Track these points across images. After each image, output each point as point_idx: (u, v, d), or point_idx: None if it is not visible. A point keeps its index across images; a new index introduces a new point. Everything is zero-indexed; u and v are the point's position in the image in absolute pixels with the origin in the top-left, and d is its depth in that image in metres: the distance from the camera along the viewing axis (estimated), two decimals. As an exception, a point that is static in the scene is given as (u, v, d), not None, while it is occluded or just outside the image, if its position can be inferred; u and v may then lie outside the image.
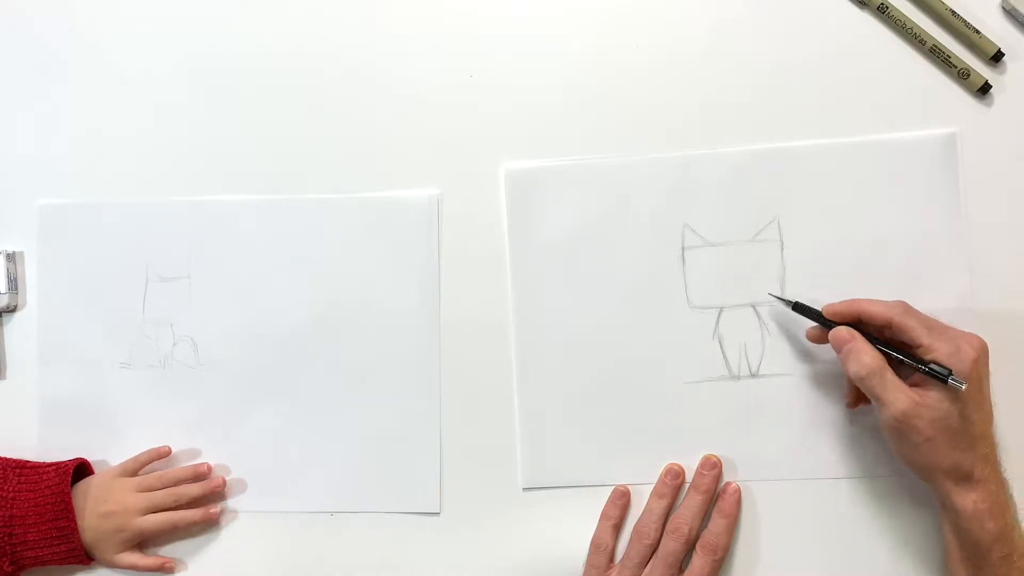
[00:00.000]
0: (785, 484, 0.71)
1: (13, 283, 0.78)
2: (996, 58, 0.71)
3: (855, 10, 0.73)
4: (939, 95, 0.72)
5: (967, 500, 0.62)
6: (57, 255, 0.78)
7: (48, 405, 0.77)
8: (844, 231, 0.71)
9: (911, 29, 0.72)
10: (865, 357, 0.63)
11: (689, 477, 0.71)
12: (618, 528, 0.71)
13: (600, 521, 0.71)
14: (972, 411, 0.61)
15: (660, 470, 0.71)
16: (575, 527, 0.72)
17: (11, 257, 0.78)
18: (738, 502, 0.70)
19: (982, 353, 0.62)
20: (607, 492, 0.72)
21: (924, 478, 0.64)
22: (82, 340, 0.77)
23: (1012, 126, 0.71)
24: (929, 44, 0.71)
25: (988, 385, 0.63)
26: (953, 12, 0.72)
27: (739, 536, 0.70)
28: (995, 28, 0.72)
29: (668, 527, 0.69)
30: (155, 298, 0.76)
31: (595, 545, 0.70)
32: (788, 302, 0.69)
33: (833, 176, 0.71)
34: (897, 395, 0.61)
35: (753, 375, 0.71)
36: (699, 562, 0.67)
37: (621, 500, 0.71)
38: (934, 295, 0.70)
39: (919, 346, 0.62)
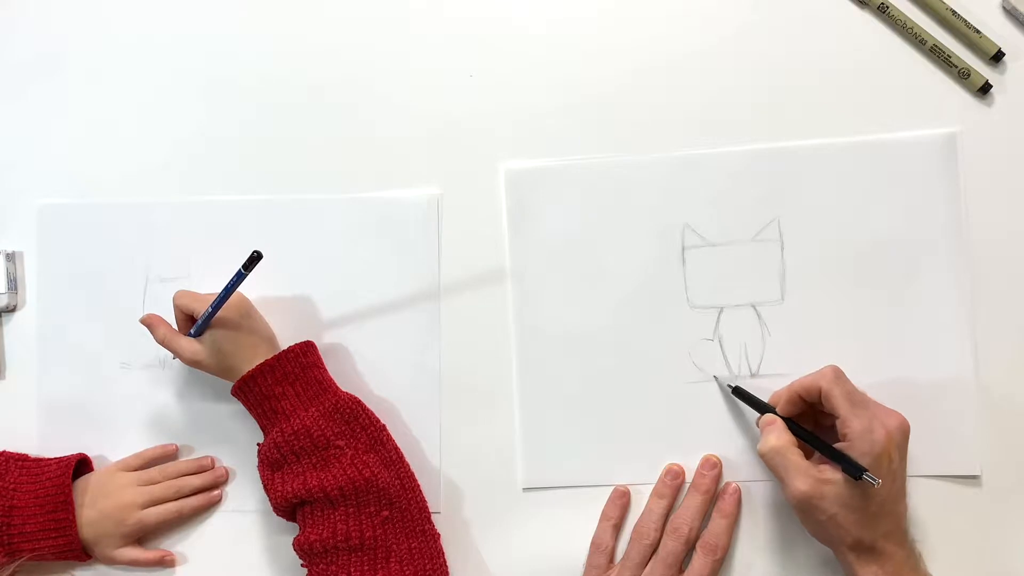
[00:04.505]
0: (785, 484, 0.71)
1: (13, 283, 0.78)
2: (996, 58, 0.71)
3: (855, 10, 0.73)
4: (939, 95, 0.72)
5: (867, 572, 0.62)
6: (57, 255, 0.78)
7: (48, 405, 0.77)
8: (844, 231, 0.71)
9: (911, 29, 0.71)
10: (771, 437, 0.65)
11: (689, 477, 0.71)
12: (618, 528, 0.71)
13: (600, 521, 0.71)
14: (876, 491, 0.61)
15: (660, 470, 0.71)
16: (575, 527, 0.72)
17: (11, 257, 0.78)
18: (738, 502, 0.70)
19: (897, 434, 0.62)
20: (607, 492, 0.72)
21: (830, 547, 0.65)
22: (82, 340, 0.77)
23: (1012, 126, 0.71)
24: (929, 44, 0.71)
25: (902, 464, 0.63)
26: (953, 12, 0.72)
27: (739, 536, 0.70)
28: (995, 28, 0.72)
29: (668, 527, 0.69)
30: (155, 298, 0.76)
31: (595, 545, 0.71)
32: (730, 387, 0.70)
33: (833, 176, 0.71)
34: (799, 477, 0.63)
35: (753, 375, 0.71)
36: (699, 562, 0.67)
37: (621, 500, 0.71)
38: (934, 295, 0.70)
39: (838, 417, 0.63)
